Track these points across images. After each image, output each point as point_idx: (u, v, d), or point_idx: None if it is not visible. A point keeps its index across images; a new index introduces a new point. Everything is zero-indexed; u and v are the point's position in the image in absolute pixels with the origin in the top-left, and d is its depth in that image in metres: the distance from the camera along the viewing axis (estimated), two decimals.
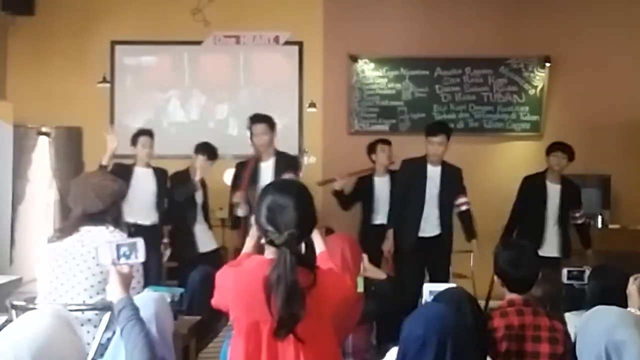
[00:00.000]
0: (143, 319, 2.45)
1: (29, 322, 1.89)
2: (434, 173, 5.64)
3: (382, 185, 6.17)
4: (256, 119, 5.56)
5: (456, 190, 5.71)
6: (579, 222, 5.96)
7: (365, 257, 3.55)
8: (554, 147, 5.88)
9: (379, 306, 3.48)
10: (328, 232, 6.21)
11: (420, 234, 5.61)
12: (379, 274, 3.70)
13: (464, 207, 5.76)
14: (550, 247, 5.76)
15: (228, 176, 6.06)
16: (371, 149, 6.27)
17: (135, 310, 2.45)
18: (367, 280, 3.67)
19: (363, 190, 6.23)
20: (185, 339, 3.49)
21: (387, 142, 6.28)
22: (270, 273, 2.28)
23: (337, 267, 3.13)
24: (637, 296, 2.90)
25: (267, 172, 5.41)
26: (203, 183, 5.92)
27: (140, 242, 2.60)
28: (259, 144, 5.46)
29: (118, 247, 2.58)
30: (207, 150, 5.89)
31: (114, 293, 2.53)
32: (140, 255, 2.59)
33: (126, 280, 2.56)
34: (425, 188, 5.61)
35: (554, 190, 5.86)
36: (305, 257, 2.44)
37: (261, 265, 2.35)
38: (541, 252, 5.55)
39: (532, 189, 5.94)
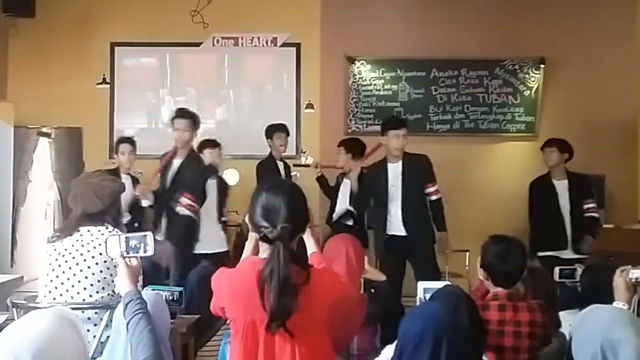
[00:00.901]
0: (149, 313, 2.44)
1: (30, 322, 1.88)
2: (394, 169, 5.47)
3: (344, 186, 6.15)
4: (180, 113, 5.45)
5: (422, 179, 5.47)
6: (593, 214, 5.74)
7: (366, 258, 3.56)
8: (544, 144, 5.89)
9: (377, 306, 3.51)
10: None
11: (392, 232, 5.45)
12: (379, 276, 3.72)
13: (433, 197, 5.47)
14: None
15: (229, 176, 6.12)
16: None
17: (143, 304, 2.44)
18: (366, 281, 3.70)
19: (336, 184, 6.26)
20: (184, 338, 3.50)
21: (344, 145, 6.19)
22: (264, 267, 2.31)
23: (342, 267, 3.19)
24: (624, 289, 2.87)
25: (174, 170, 5.35)
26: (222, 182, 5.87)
27: (149, 236, 2.59)
28: (177, 139, 5.35)
29: (127, 239, 2.58)
30: (213, 143, 6.01)
31: (122, 286, 2.52)
32: (150, 249, 2.58)
33: (134, 274, 2.55)
34: (387, 186, 5.44)
35: (562, 187, 5.76)
36: (299, 254, 2.46)
37: (255, 264, 2.38)
38: (566, 255, 5.54)
39: (540, 191, 5.86)
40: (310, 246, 2.80)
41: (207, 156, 5.91)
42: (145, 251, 2.59)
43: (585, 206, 5.74)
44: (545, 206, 5.79)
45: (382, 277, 3.70)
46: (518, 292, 2.97)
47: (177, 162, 5.37)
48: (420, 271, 5.22)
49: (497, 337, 2.81)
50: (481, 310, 2.81)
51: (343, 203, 6.10)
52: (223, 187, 5.75)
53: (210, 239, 5.57)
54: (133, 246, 2.57)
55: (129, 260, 2.58)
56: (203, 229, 5.53)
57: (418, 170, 5.46)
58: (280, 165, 6.51)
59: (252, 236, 2.58)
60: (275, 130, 6.55)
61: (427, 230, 5.46)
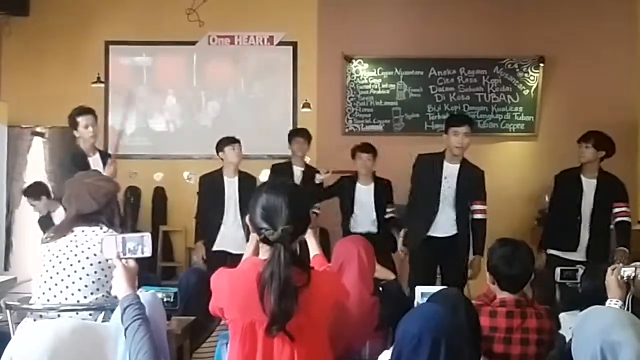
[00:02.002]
0: (148, 319, 2.35)
1: (42, 332, 1.85)
2: (451, 170, 5.21)
3: (362, 193, 6.01)
4: (82, 110, 5.27)
5: (474, 193, 5.25)
6: (623, 218, 5.30)
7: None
8: (580, 138, 5.37)
9: (387, 307, 3.47)
10: (322, 232, 6.23)
11: (432, 234, 5.19)
12: (387, 274, 3.70)
13: (478, 215, 5.26)
14: (583, 250, 5.29)
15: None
16: (352, 154, 6.05)
17: (142, 308, 2.35)
18: (374, 280, 3.67)
19: (342, 190, 6.05)
20: (179, 339, 3.47)
21: (366, 150, 5.97)
22: (264, 269, 2.28)
23: (355, 270, 3.17)
24: (616, 287, 2.87)
25: (97, 166, 5.27)
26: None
27: (147, 236, 2.51)
28: (87, 137, 5.25)
29: (124, 240, 2.49)
30: (233, 139, 5.87)
31: (119, 289, 2.43)
32: (147, 251, 2.49)
33: (132, 276, 2.46)
34: (441, 185, 5.18)
35: (589, 186, 5.32)
36: (300, 256, 2.42)
37: (255, 265, 2.34)
38: (573, 256, 5.18)
39: (565, 186, 5.46)
40: (313, 248, 2.77)
41: (228, 153, 5.82)
42: (142, 252, 2.50)
43: (616, 210, 5.32)
44: (566, 202, 5.40)
45: (392, 276, 3.69)
46: (526, 297, 2.94)
47: (94, 159, 5.31)
48: (451, 275, 5.02)
49: (505, 345, 2.78)
50: (489, 317, 2.79)
51: (366, 210, 5.95)
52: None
53: (230, 239, 5.69)
54: (130, 247, 2.49)
55: (126, 262, 2.50)
56: (223, 226, 5.75)
57: (472, 182, 5.24)
58: (298, 171, 6.33)
59: (253, 237, 2.56)
60: (292, 135, 6.46)
61: (468, 237, 5.25)
